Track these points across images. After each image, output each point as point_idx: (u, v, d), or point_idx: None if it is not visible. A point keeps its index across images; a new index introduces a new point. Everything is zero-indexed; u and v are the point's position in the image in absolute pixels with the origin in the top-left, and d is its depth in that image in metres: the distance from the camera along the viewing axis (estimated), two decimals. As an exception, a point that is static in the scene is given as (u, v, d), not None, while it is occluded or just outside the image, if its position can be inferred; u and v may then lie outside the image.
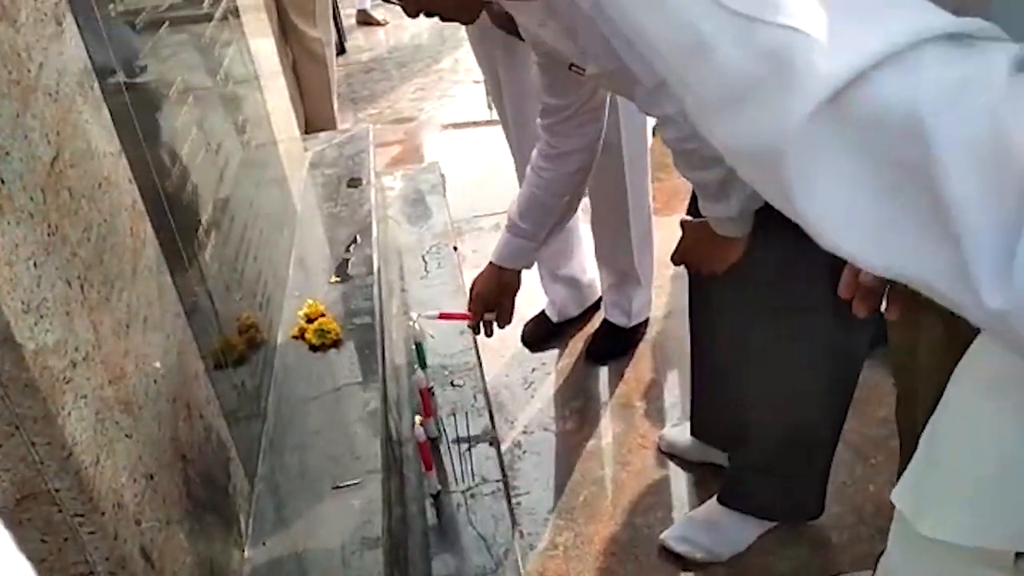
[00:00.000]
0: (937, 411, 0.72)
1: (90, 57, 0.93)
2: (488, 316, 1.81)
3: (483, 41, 2.31)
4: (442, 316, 1.81)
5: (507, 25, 1.67)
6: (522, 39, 1.60)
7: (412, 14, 1.38)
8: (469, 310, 1.81)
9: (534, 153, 1.70)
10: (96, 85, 0.93)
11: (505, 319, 1.82)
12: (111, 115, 0.96)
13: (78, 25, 0.91)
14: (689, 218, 1.48)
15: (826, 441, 1.74)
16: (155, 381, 0.97)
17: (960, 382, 0.70)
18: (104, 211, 0.90)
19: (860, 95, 0.42)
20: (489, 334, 1.84)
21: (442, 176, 2.75)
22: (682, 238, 1.50)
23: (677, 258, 1.50)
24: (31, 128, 0.77)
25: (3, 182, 0.70)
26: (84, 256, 0.83)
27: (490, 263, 1.78)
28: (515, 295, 1.80)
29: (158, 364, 0.99)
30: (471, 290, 1.82)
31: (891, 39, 0.42)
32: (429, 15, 1.38)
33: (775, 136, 0.45)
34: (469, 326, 1.83)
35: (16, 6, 0.78)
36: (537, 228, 1.72)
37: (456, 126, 4.22)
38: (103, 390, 0.83)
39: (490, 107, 3.64)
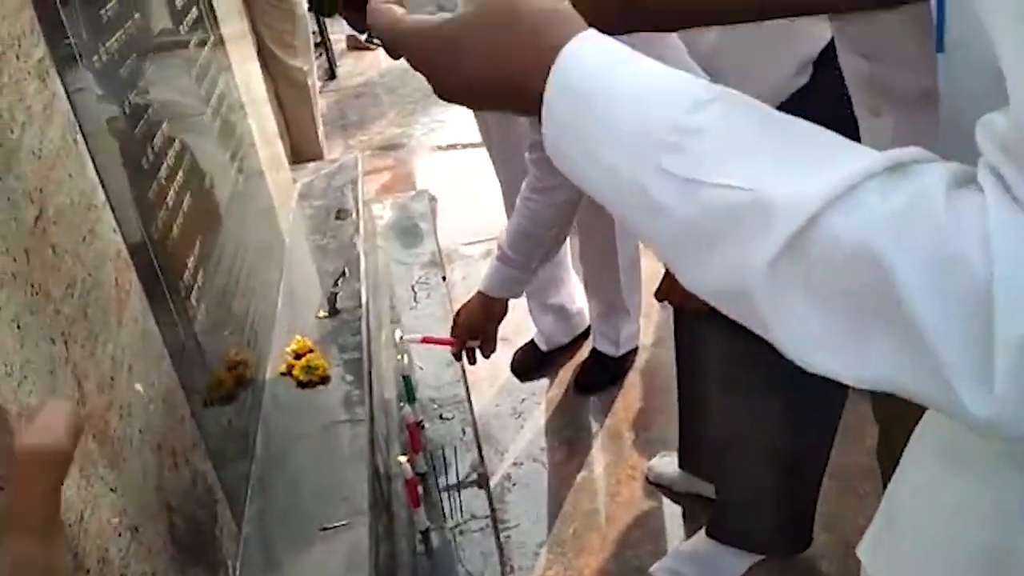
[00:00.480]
0: (897, 472, 0.73)
1: (74, 110, 0.94)
2: (471, 343, 1.82)
3: None
4: (425, 340, 1.81)
5: None
6: None
7: (396, 56, 1.39)
8: (452, 336, 1.81)
9: (524, 185, 1.72)
10: (80, 137, 0.94)
11: (490, 347, 1.83)
12: (95, 166, 0.97)
13: (62, 80, 0.92)
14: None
15: (813, 472, 1.75)
16: (139, 431, 0.98)
17: (918, 445, 0.71)
18: (88, 264, 0.90)
19: (814, 238, 0.44)
20: (472, 362, 1.85)
21: (432, 202, 2.76)
22: (665, 275, 1.51)
23: (661, 295, 1.51)
24: (14, 189, 0.77)
25: (-15, 246, 0.71)
26: (68, 312, 0.84)
27: (479, 292, 1.79)
28: (500, 323, 1.81)
29: (143, 413, 0.99)
30: (456, 317, 1.83)
31: (834, 183, 0.44)
32: None
33: (739, 281, 0.47)
34: (452, 353, 1.83)
35: (-1, 68, 0.78)
36: (527, 258, 1.73)
37: (445, 148, 4.24)
38: (87, 445, 0.84)
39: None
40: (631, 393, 2.45)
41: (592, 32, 0.54)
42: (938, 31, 0.53)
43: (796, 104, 1.30)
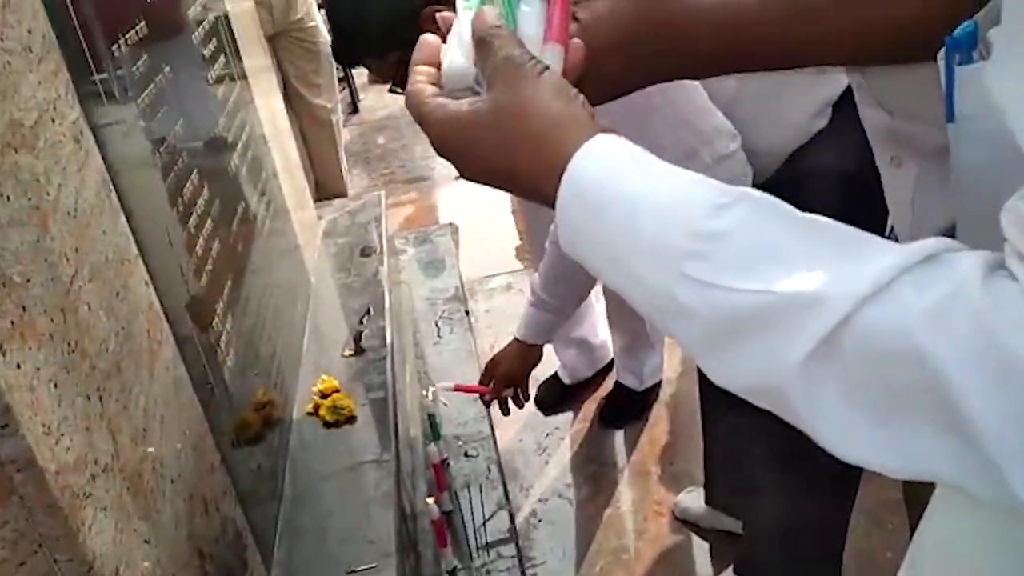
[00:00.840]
0: (922, 522, 0.73)
1: (107, 167, 0.96)
2: (506, 393, 1.82)
3: None
4: (457, 388, 1.82)
5: None
6: None
7: None
8: (481, 383, 1.82)
9: (552, 227, 1.72)
10: (113, 194, 0.96)
11: (525, 396, 1.83)
12: (128, 221, 0.99)
13: (96, 138, 0.94)
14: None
15: (841, 508, 1.74)
16: (171, 481, 0.99)
17: (943, 496, 0.70)
18: (121, 319, 0.92)
19: (849, 335, 0.44)
20: (506, 413, 1.85)
21: (454, 235, 2.78)
22: None
23: None
24: (50, 251, 0.79)
25: (24, 310, 0.72)
26: (102, 368, 0.85)
27: (515, 339, 1.78)
28: (532, 370, 1.81)
29: (175, 463, 1.01)
30: (492, 367, 1.82)
31: (867, 280, 0.44)
32: None
33: (771, 379, 0.47)
34: (484, 402, 1.83)
35: (35, 133, 0.80)
36: (562, 302, 1.73)
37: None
38: (122, 499, 0.85)
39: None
40: (656, 427, 2.45)
41: (599, 139, 0.54)
42: (948, 101, 0.54)
43: (816, 147, 1.31)
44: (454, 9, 0.66)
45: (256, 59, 2.06)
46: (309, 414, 1.66)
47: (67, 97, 0.89)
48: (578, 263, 1.59)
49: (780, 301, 0.46)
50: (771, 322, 0.46)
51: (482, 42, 0.60)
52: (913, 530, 1.25)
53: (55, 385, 0.75)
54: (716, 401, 1.84)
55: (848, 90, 1.25)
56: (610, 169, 0.52)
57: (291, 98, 3.35)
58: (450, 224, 3.15)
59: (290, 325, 1.80)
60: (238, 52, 1.84)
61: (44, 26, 0.87)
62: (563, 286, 1.70)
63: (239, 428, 1.32)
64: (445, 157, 0.61)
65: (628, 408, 2.51)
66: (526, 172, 0.56)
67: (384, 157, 4.78)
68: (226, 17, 1.80)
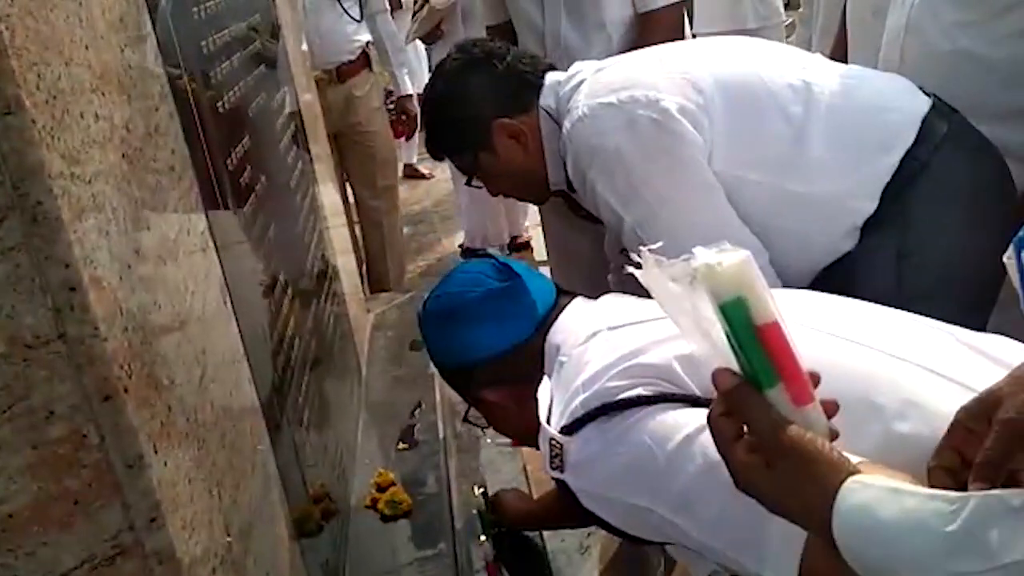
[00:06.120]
0: None
1: (224, 275, 1.03)
2: None
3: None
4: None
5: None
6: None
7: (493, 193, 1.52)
8: None
9: None
10: (229, 299, 1.03)
11: None
12: (238, 324, 1.06)
13: (216, 248, 1.01)
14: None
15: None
16: (267, 573, 1.03)
17: None
18: (233, 416, 0.98)
19: None
20: None
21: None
22: None
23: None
24: (187, 353, 0.85)
25: (170, 409, 0.78)
26: (220, 463, 0.91)
27: None
28: None
29: (267, 558, 1.05)
30: None
31: None
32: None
33: None
34: None
35: (176, 245, 0.88)
36: None
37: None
38: (232, 592, 0.89)
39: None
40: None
41: (851, 485, 0.64)
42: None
43: (846, 267, 1.35)
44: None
45: (319, 152, 2.14)
46: (367, 507, 1.69)
47: (199, 212, 0.96)
48: None
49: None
50: None
51: (738, 406, 0.69)
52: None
53: (189, 481, 0.81)
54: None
55: (872, 216, 1.30)
56: (864, 511, 0.63)
57: (350, 196, 3.47)
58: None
59: (346, 417, 1.85)
60: (309, 150, 1.93)
61: (183, 146, 0.95)
62: None
63: (302, 520, 1.35)
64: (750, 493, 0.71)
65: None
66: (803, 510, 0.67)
67: (419, 251, 4.86)
68: (301, 119, 1.89)
